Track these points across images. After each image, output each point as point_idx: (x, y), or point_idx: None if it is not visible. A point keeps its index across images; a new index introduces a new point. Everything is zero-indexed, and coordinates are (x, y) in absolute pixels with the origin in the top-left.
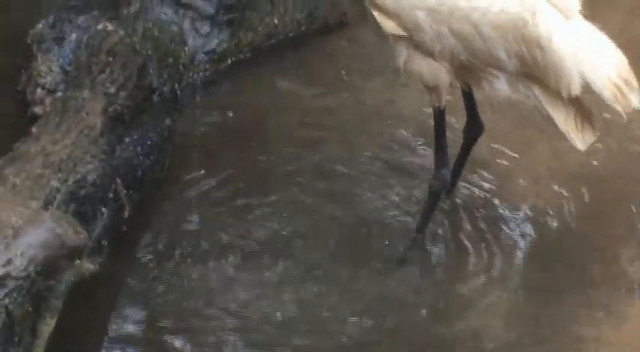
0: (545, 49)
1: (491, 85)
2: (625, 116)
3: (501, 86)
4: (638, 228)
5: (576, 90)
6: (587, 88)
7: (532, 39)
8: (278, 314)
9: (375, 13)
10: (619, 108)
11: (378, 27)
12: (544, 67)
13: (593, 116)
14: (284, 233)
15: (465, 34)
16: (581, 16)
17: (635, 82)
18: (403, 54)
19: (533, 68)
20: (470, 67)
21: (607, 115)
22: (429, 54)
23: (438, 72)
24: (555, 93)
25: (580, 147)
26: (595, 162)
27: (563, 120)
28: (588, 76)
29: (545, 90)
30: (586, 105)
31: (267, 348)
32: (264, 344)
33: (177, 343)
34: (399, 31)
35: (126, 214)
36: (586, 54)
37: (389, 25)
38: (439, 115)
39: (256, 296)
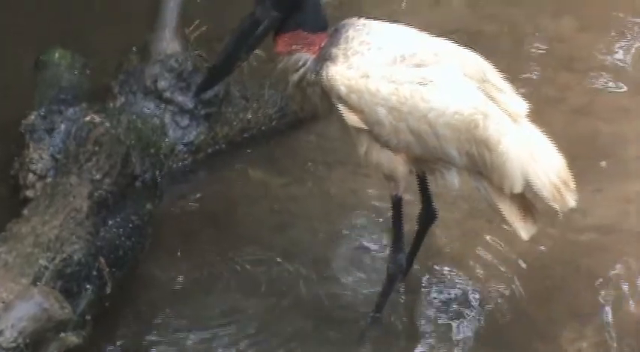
0: (492, 150)
1: (443, 176)
2: (561, 214)
3: (452, 178)
4: (577, 309)
5: (518, 189)
6: (527, 186)
7: (481, 140)
8: None
9: (341, 107)
10: (556, 206)
11: (342, 120)
12: (490, 166)
13: (535, 209)
14: (253, 310)
15: (421, 131)
16: (527, 120)
17: (572, 184)
18: (364, 145)
19: (481, 166)
20: (424, 159)
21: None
22: (388, 146)
23: (395, 162)
24: (499, 188)
25: (524, 237)
26: (539, 251)
27: (508, 212)
28: (530, 177)
29: (491, 185)
30: (529, 200)
31: None
32: None
33: None
34: (361, 125)
35: (108, 290)
36: (529, 157)
37: (352, 119)
38: (397, 204)
39: None
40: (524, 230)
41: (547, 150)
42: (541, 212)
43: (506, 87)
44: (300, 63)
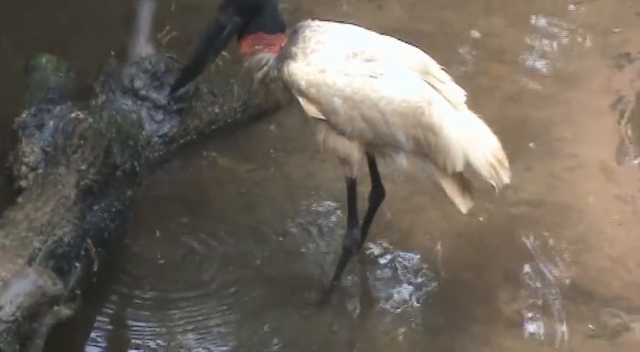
0: (437, 134)
1: (392, 159)
2: (497, 190)
3: (400, 161)
4: (511, 274)
5: (459, 168)
6: (468, 166)
7: (427, 125)
8: (222, 345)
9: (301, 100)
10: (493, 183)
11: (302, 111)
12: (435, 148)
13: (472, 186)
14: (224, 281)
15: (373, 119)
16: (466, 107)
17: (506, 163)
18: (322, 133)
19: (426, 149)
20: (375, 144)
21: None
22: (343, 133)
23: (350, 148)
24: (443, 168)
25: (463, 211)
26: (477, 223)
27: (450, 189)
28: (470, 158)
29: (435, 166)
30: (467, 178)
31: None
32: None
33: None
34: (319, 115)
35: (95, 268)
36: (469, 139)
37: (311, 110)
38: (351, 185)
39: (203, 334)
40: (463, 205)
41: (484, 133)
42: (477, 189)
43: (446, 78)
44: (263, 62)
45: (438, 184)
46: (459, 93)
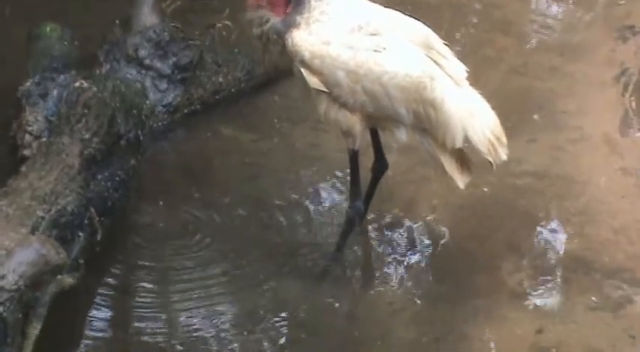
0: (437, 109)
1: (392, 133)
2: (494, 166)
3: (400, 135)
4: (514, 245)
5: (459, 144)
6: (467, 142)
7: (428, 100)
8: (223, 314)
9: (304, 71)
10: (491, 159)
11: (304, 82)
12: (435, 123)
13: (471, 162)
14: (226, 250)
15: (375, 92)
16: (467, 83)
17: (504, 140)
18: (323, 105)
19: (426, 123)
20: (375, 117)
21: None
22: (344, 106)
23: (352, 121)
24: (442, 144)
25: (460, 186)
26: (480, 194)
27: (448, 164)
28: (469, 134)
29: (434, 141)
30: (466, 154)
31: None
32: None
33: (143, 339)
34: (321, 87)
35: (98, 237)
36: (469, 115)
37: (314, 81)
38: (353, 156)
39: (204, 303)
40: (460, 180)
41: (484, 110)
42: (480, 161)
43: (449, 53)
44: (264, 20)
45: (436, 159)
46: (460, 69)
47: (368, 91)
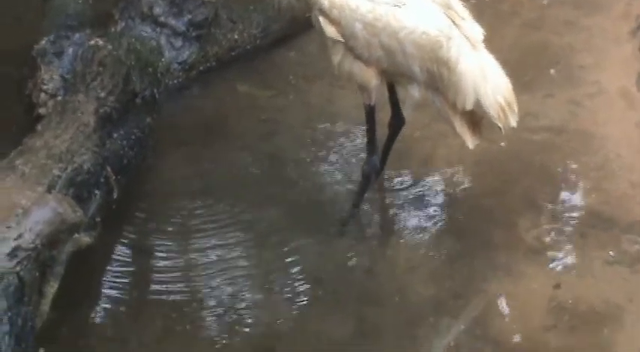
0: (451, 70)
1: (405, 89)
2: (503, 131)
3: (413, 91)
4: (531, 201)
5: (469, 106)
6: (477, 105)
7: (443, 60)
8: (241, 272)
9: (321, 19)
10: (500, 124)
11: (321, 31)
12: (447, 83)
13: (482, 124)
14: (243, 206)
15: (391, 47)
16: (483, 46)
17: (515, 106)
18: (338, 55)
19: (439, 83)
20: (389, 72)
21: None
22: (359, 58)
23: (367, 74)
24: (453, 104)
25: (470, 146)
26: (497, 150)
27: (459, 125)
28: (480, 96)
29: (445, 101)
30: (477, 115)
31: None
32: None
33: (160, 297)
34: (338, 37)
35: (115, 196)
36: (482, 78)
37: (330, 30)
38: (370, 112)
39: (221, 261)
40: (470, 141)
41: (497, 74)
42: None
43: (467, 15)
44: None
45: (447, 119)
46: (477, 32)
47: (384, 46)
